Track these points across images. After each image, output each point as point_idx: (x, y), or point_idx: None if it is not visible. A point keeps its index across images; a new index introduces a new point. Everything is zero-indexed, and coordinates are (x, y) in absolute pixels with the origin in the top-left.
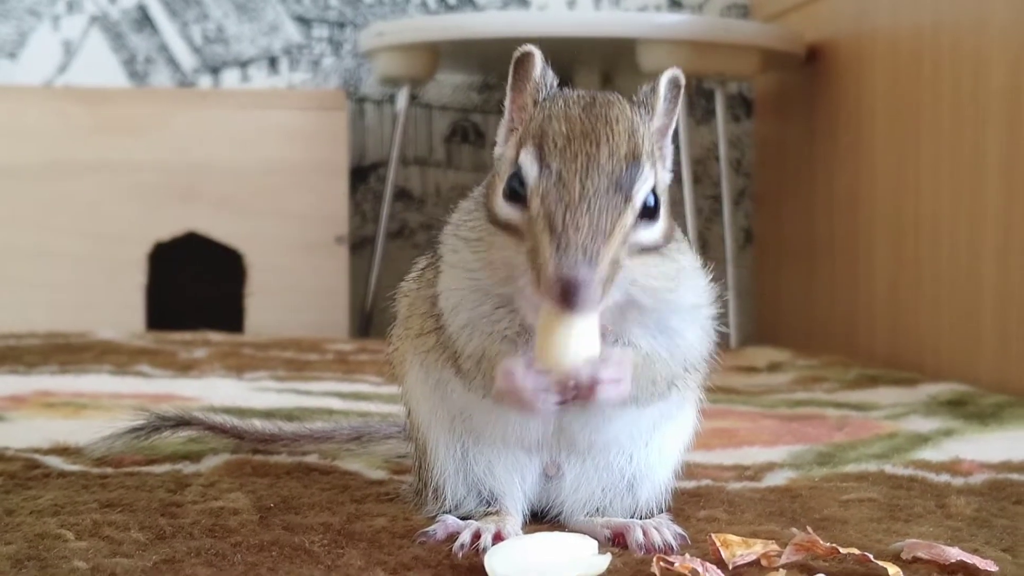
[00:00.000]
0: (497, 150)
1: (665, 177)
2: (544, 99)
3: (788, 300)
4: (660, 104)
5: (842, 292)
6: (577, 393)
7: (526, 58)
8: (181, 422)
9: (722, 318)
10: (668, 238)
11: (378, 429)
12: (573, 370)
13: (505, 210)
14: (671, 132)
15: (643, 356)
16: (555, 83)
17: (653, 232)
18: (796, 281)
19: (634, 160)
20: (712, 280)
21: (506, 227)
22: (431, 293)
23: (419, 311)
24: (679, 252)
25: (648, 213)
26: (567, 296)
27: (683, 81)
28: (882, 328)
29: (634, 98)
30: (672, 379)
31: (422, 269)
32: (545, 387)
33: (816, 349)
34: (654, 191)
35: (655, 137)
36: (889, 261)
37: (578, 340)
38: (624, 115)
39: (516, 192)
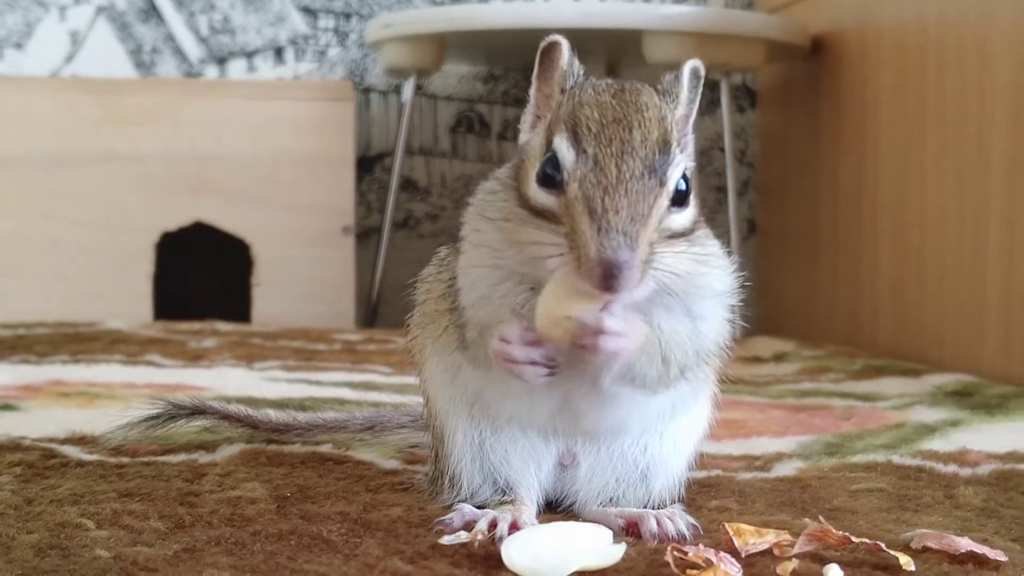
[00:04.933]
0: (522, 137)
1: (690, 164)
2: (572, 87)
3: (791, 291)
4: (683, 93)
5: (845, 283)
6: (582, 342)
7: (552, 47)
8: (196, 411)
9: (741, 305)
10: (697, 223)
11: (390, 419)
12: (580, 319)
13: (540, 195)
14: (692, 121)
15: (659, 335)
16: (581, 72)
17: (684, 217)
18: (799, 272)
19: (665, 145)
20: (735, 268)
21: (540, 212)
22: (448, 276)
23: (435, 295)
24: (707, 237)
25: (679, 199)
26: (609, 278)
27: (703, 72)
28: (885, 319)
29: (658, 87)
30: (684, 367)
31: (443, 258)
32: (536, 357)
33: (819, 340)
34: (684, 176)
35: (679, 124)
36: (893, 252)
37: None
38: (653, 102)
39: (550, 177)
